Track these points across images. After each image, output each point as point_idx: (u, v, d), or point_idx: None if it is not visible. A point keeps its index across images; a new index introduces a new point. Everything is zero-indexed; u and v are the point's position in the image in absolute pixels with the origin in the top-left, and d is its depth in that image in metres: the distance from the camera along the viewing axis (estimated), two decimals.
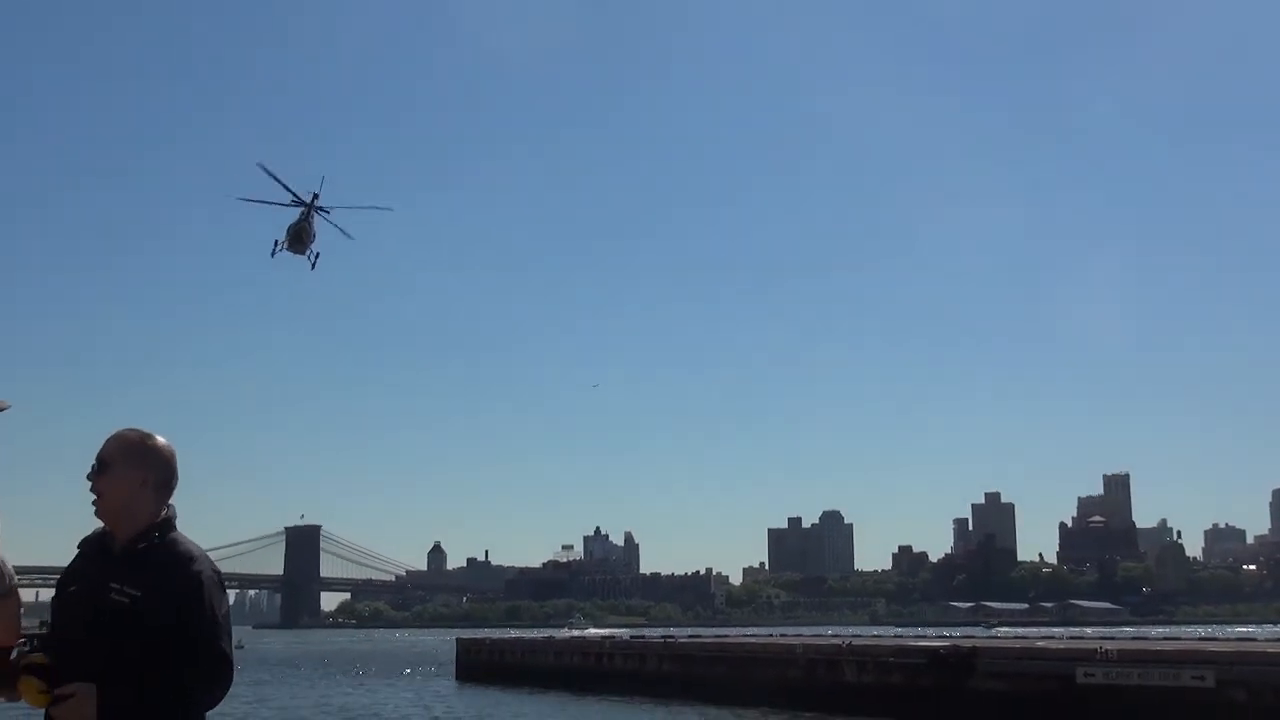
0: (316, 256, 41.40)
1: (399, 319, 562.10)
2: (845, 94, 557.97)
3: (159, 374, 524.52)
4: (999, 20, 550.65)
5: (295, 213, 41.10)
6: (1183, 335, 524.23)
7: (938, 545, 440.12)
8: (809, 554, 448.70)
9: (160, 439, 5.01)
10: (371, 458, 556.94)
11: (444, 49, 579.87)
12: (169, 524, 4.90)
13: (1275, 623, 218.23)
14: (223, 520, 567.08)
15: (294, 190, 40.61)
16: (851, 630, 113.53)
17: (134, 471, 4.87)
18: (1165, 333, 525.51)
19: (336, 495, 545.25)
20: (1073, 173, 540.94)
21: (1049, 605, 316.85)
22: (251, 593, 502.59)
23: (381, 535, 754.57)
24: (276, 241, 40.78)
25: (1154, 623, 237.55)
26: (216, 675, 4.76)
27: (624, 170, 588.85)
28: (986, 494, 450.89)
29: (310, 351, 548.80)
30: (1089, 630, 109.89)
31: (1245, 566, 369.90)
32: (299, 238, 40.53)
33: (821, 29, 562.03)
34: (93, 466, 4.93)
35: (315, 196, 40.58)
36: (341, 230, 41.58)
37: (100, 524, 4.99)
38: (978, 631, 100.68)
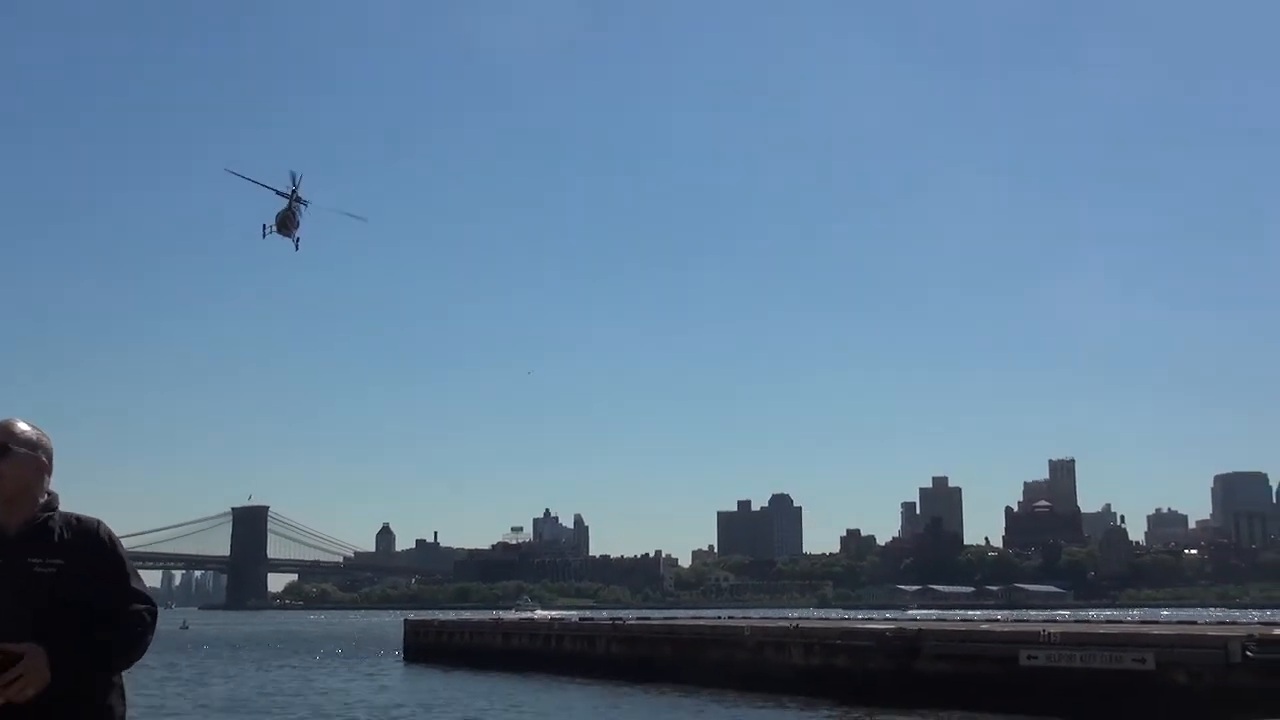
0: (298, 240, 46.36)
1: (350, 301, 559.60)
2: (823, 70, 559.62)
3: (105, 352, 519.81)
4: (993, 6, 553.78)
5: (280, 200, 45.68)
6: (1129, 325, 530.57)
7: (886, 529, 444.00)
8: (758, 537, 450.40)
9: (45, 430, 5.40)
10: (321, 439, 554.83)
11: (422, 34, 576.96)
12: (56, 502, 5.25)
13: (1215, 606, 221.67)
14: (169, 500, 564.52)
15: (295, 184, 45.61)
16: (799, 613, 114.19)
17: (34, 457, 5.22)
18: (1112, 322, 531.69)
19: (284, 476, 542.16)
20: (1044, 165, 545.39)
21: (995, 588, 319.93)
22: (197, 574, 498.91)
23: (330, 516, 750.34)
24: (265, 225, 45.42)
25: (1097, 606, 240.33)
26: (145, 623, 5.09)
27: (581, 149, 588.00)
28: (934, 478, 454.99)
29: (259, 331, 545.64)
30: (1033, 613, 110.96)
31: (1187, 551, 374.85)
32: (285, 223, 45.25)
33: (814, 17, 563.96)
34: None
35: (295, 190, 45.42)
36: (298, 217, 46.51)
37: None
38: (900, 614, 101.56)
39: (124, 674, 5.20)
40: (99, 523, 5.23)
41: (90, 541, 5.11)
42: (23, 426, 5.29)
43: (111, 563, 5.10)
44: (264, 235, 45.70)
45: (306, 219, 46.31)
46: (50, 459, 5.32)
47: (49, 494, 5.26)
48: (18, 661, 4.60)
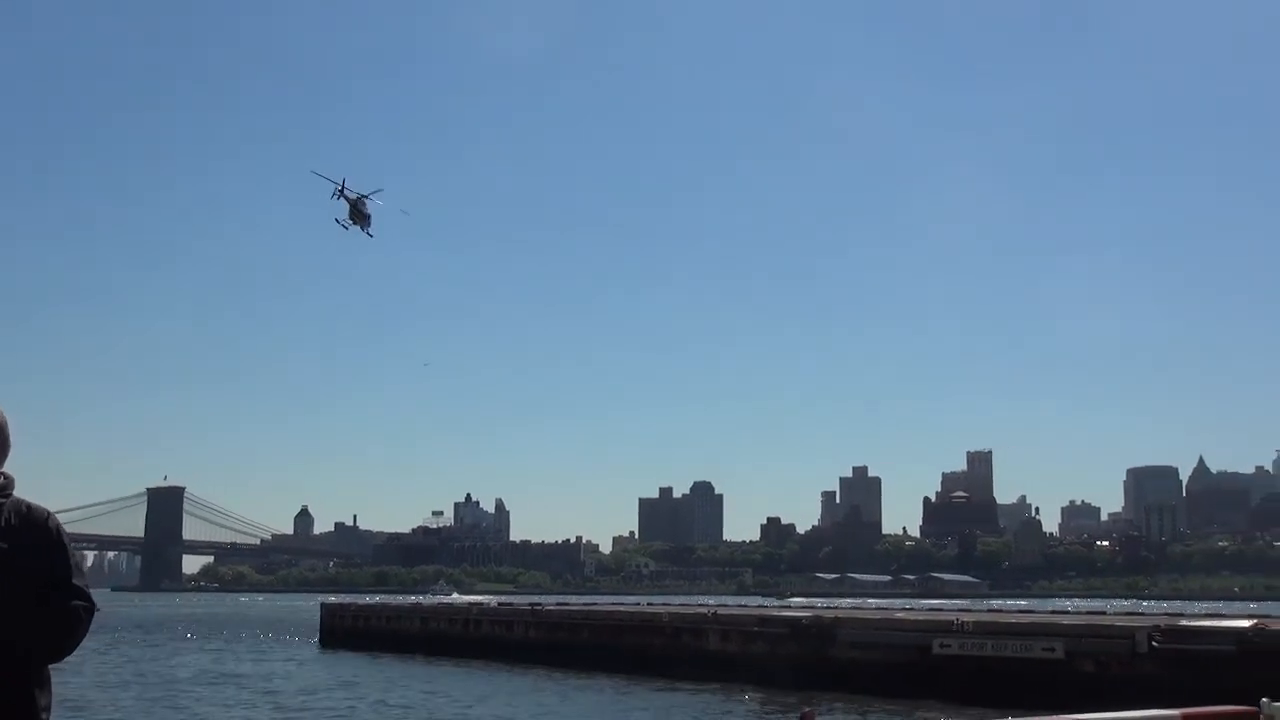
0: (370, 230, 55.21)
1: (269, 280, 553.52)
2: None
3: (16, 325, 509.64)
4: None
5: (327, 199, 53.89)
6: (1046, 321, 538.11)
7: (806, 517, 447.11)
8: (679, 524, 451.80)
9: None
10: (238, 418, 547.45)
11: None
12: (11, 485, 5.15)
13: (1125, 597, 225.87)
14: (81, 479, 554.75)
15: (343, 185, 53.79)
16: (717, 600, 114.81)
17: None
18: (1029, 317, 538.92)
19: (201, 456, 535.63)
20: (990, 161, 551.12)
21: (911, 577, 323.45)
22: (110, 554, 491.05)
23: (247, 498, 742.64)
24: (337, 219, 53.38)
25: (1011, 596, 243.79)
26: (80, 619, 5.03)
27: (526, 140, 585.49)
28: (854, 468, 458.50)
29: (177, 308, 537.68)
30: (948, 603, 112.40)
31: (1099, 543, 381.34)
32: (356, 216, 53.30)
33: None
34: None
35: (342, 189, 53.41)
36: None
37: None
38: (818, 601, 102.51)
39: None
40: (49, 514, 5.14)
41: (37, 531, 5.03)
42: None
43: (55, 555, 5.03)
44: (345, 228, 53.38)
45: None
46: (4, 440, 5.19)
47: (3, 476, 5.14)
48: None
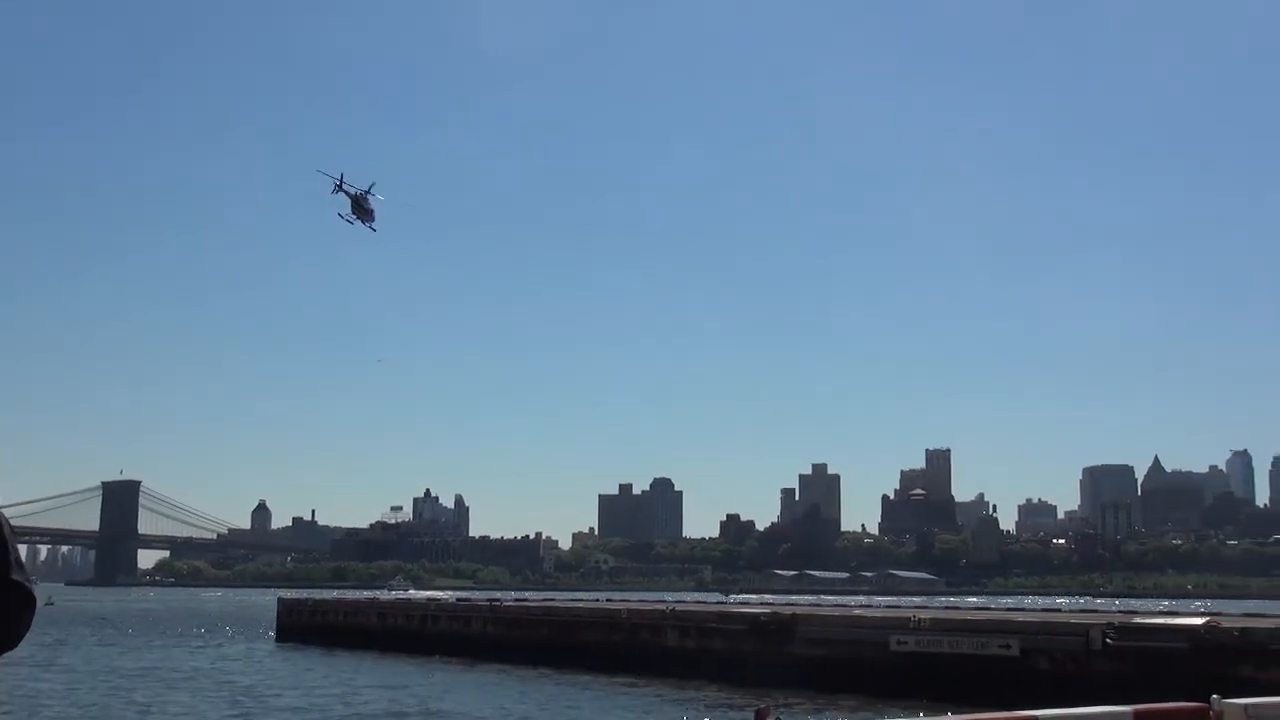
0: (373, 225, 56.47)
1: (227, 276, 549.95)
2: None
3: None
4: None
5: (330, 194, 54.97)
6: (1004, 322, 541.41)
7: (765, 514, 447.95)
8: (639, 520, 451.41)
9: None
10: (195, 412, 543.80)
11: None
12: None
13: (1080, 595, 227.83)
14: (36, 473, 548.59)
15: (340, 181, 54.79)
16: (675, 596, 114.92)
17: None
18: (989, 318, 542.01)
19: (158, 450, 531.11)
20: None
21: (870, 574, 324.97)
22: (64, 549, 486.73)
23: (204, 492, 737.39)
24: (340, 214, 54.18)
25: (968, 593, 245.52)
26: (15, 614, 4.87)
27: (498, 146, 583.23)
28: (814, 465, 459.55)
29: (135, 303, 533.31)
30: (907, 599, 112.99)
31: (1055, 540, 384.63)
32: (359, 211, 54.25)
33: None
34: None
35: (340, 184, 54.26)
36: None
37: None
38: (768, 597, 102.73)
39: None
40: None
41: None
42: None
43: None
44: (350, 223, 54.25)
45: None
46: None
47: None
48: None
